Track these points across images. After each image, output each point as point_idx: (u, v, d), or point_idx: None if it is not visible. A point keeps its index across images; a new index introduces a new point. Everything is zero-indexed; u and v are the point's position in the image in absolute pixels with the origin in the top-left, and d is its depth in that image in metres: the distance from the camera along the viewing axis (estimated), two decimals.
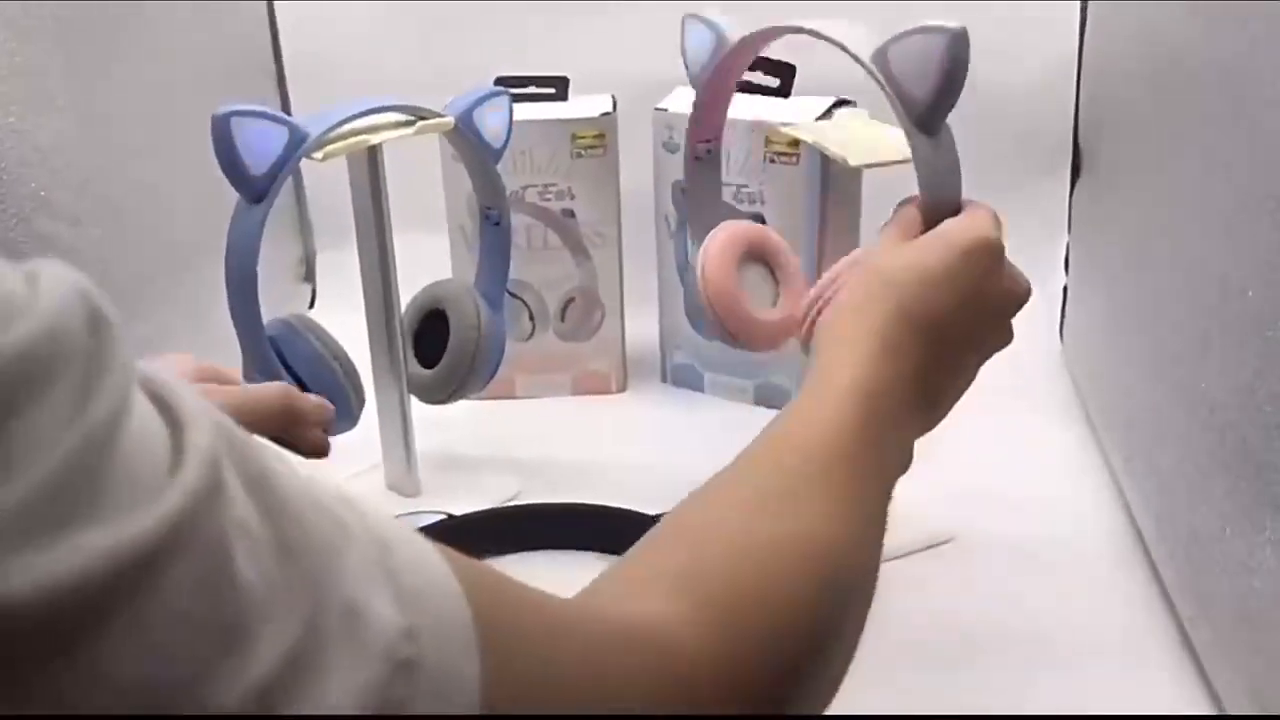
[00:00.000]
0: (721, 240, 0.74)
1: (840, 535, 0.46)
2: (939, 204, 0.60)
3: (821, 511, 0.46)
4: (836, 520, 0.46)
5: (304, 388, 0.76)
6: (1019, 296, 0.59)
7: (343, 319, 0.85)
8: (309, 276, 1.22)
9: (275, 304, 0.80)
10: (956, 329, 0.55)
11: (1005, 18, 1.12)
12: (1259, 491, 0.59)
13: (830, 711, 0.65)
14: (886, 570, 0.79)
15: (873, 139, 0.74)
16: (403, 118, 0.78)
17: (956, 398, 0.58)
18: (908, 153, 0.72)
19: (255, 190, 0.70)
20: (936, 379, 0.56)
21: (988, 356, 0.59)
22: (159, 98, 0.94)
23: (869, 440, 0.50)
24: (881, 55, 0.60)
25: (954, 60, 0.58)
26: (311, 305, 1.20)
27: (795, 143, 0.84)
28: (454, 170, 0.91)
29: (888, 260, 0.57)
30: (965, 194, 1.28)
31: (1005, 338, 0.60)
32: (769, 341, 0.76)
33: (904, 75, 0.59)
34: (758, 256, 0.76)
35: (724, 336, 0.75)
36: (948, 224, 0.58)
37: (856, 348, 0.53)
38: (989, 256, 0.57)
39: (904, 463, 0.55)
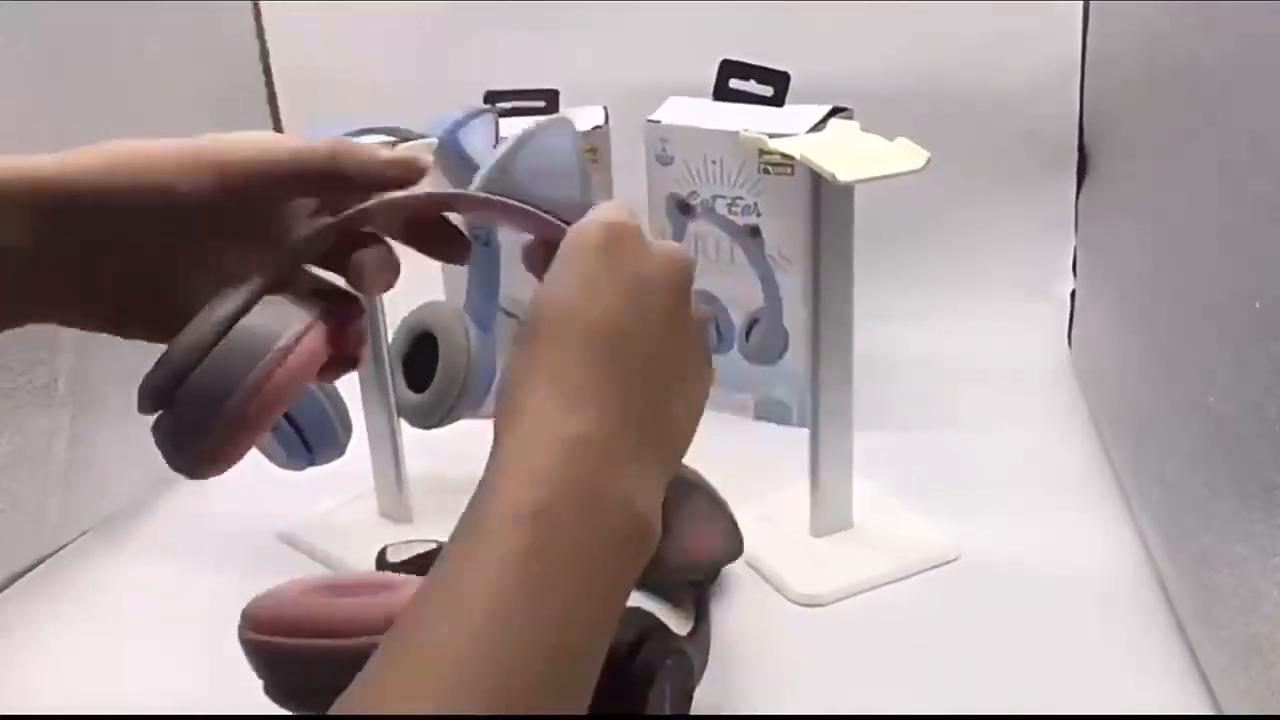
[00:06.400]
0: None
1: None
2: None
3: None
4: None
5: (287, 417, 0.75)
6: (680, 267, 0.49)
7: None
8: None
9: None
10: (635, 330, 0.46)
11: (1006, 19, 1.10)
12: (1268, 512, 0.57)
13: None
14: (891, 591, 0.79)
15: (864, 152, 0.72)
16: (384, 140, 0.77)
17: (693, 410, 0.49)
18: (898, 166, 0.70)
19: None
20: (650, 402, 0.46)
21: (698, 345, 0.50)
22: (144, 121, 0.93)
23: (535, 594, 0.40)
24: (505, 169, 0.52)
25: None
26: None
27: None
28: (444, 189, 0.90)
29: (532, 301, 0.46)
30: (948, 200, 1.25)
31: (695, 318, 0.50)
32: None
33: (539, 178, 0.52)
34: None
35: None
36: (567, 232, 0.48)
37: (529, 433, 0.43)
38: (624, 238, 0.47)
39: (634, 542, 0.45)
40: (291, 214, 0.51)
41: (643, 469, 0.45)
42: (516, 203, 0.50)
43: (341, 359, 0.51)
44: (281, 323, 0.47)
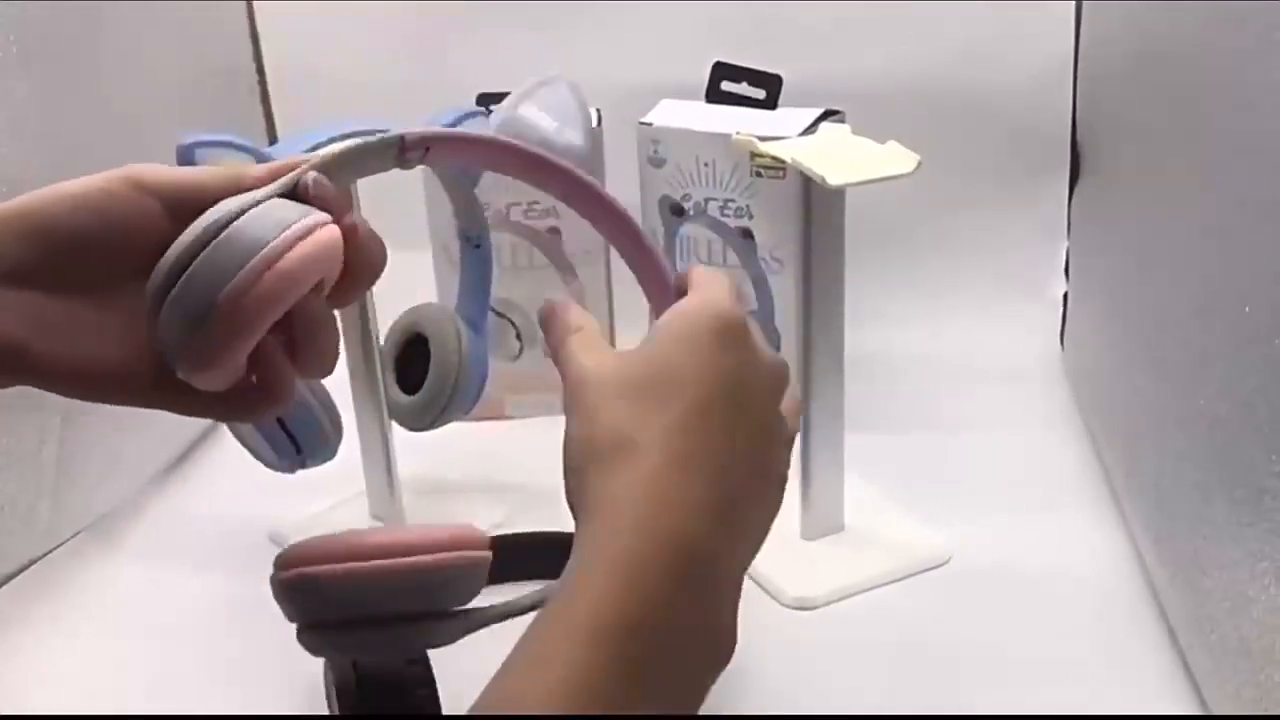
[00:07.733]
0: None
1: None
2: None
3: None
4: None
5: (278, 419, 0.75)
6: (781, 380, 0.48)
7: None
8: None
9: None
10: (741, 437, 0.44)
11: (998, 18, 1.10)
12: (1258, 516, 0.57)
13: None
14: (883, 594, 0.79)
15: (855, 155, 0.72)
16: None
17: (771, 506, 0.47)
18: (889, 169, 0.71)
19: None
20: (741, 509, 0.45)
21: (786, 447, 0.48)
22: (137, 122, 0.93)
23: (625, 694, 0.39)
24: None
25: None
26: None
27: None
28: (436, 190, 0.90)
29: (607, 377, 0.45)
30: (941, 202, 1.26)
31: (789, 425, 0.49)
32: None
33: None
34: None
35: None
36: (675, 309, 0.46)
37: (607, 547, 0.41)
38: (735, 336, 0.45)
39: (716, 657, 0.44)
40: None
41: (728, 576, 0.44)
42: (538, 151, 0.52)
43: (359, 274, 0.49)
44: (287, 218, 0.46)
